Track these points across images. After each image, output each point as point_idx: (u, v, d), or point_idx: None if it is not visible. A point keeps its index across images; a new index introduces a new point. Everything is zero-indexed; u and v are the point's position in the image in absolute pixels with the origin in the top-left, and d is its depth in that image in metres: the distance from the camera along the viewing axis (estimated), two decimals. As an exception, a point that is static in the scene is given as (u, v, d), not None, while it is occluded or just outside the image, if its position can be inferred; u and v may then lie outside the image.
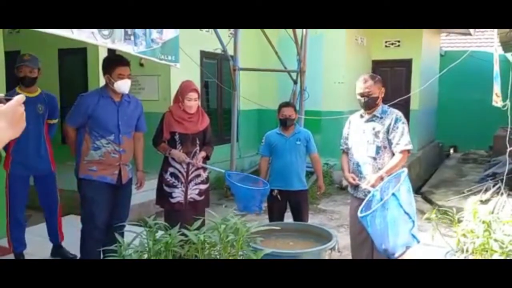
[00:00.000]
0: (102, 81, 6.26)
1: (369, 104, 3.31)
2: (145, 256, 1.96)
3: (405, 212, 2.51)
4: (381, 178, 3.13)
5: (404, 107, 9.33)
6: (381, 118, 3.31)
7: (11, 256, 3.78)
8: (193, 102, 3.65)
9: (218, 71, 8.21)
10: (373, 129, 3.32)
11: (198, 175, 3.74)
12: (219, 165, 7.50)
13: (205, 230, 2.09)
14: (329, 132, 8.08)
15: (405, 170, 2.80)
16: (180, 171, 3.68)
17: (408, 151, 3.25)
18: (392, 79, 9.03)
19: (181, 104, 3.65)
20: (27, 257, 3.83)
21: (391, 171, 3.16)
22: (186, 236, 2.13)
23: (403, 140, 3.21)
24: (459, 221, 3.04)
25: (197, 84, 7.32)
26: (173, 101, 3.79)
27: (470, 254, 2.70)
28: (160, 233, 2.13)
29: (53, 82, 7.04)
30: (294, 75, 7.59)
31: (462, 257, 2.71)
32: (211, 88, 8.20)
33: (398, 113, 3.31)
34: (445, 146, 11.64)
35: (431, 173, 9.38)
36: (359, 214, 2.59)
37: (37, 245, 4.02)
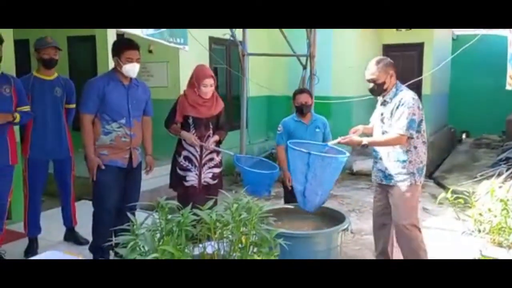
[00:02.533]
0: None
1: (374, 90, 3.21)
2: (158, 236, 1.95)
3: (306, 177, 2.93)
4: (359, 144, 3.11)
5: (416, 92, 9.17)
6: (389, 103, 3.18)
7: (25, 240, 3.82)
8: (209, 88, 3.62)
9: (227, 57, 8.16)
10: (381, 114, 3.24)
11: (212, 159, 3.74)
12: (229, 151, 7.52)
13: (217, 210, 2.08)
14: (338, 118, 8.01)
15: (347, 154, 3.09)
16: (193, 155, 3.67)
17: (406, 136, 3.04)
18: (404, 63, 8.89)
19: (196, 89, 3.62)
20: (40, 241, 3.86)
21: (375, 141, 3.13)
22: (198, 216, 2.12)
23: (398, 123, 3.05)
24: (473, 203, 2.99)
25: (206, 70, 7.31)
26: (188, 85, 3.75)
27: (487, 233, 2.66)
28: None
29: (63, 69, 7.03)
30: (303, 60, 7.51)
31: (478, 237, 2.66)
32: (220, 74, 8.15)
33: (405, 96, 3.10)
34: (457, 131, 11.49)
35: (443, 158, 9.28)
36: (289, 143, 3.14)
37: (50, 229, 4.06)
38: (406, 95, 3.10)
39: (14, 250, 3.70)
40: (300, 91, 4.10)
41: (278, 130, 4.09)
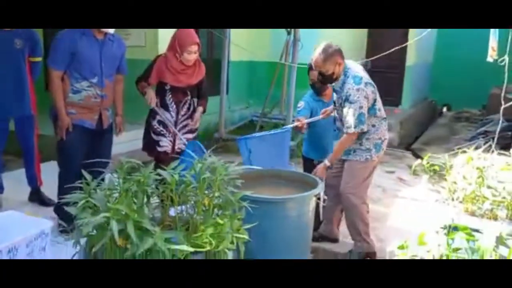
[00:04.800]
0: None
1: (324, 82, 3.17)
2: (115, 195, 1.83)
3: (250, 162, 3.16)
4: (326, 168, 3.15)
5: (400, 62, 9.12)
6: (340, 91, 3.10)
7: (-12, 200, 3.67)
8: (193, 56, 3.40)
9: (209, 19, 7.88)
10: (334, 103, 3.25)
11: (186, 125, 3.61)
12: (208, 116, 7.35)
13: (180, 169, 1.96)
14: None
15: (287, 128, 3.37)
16: (169, 120, 3.52)
17: (356, 133, 3.03)
18: (388, 32, 8.73)
19: (178, 55, 3.39)
20: (3, 201, 3.72)
21: (335, 156, 3.14)
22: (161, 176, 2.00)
23: (346, 122, 3.03)
24: (448, 171, 2.94)
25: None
26: (169, 48, 3.48)
27: (460, 202, 2.62)
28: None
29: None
30: (287, 25, 7.30)
31: (451, 205, 2.62)
32: (201, 35, 7.89)
33: (348, 90, 3.01)
34: (438, 104, 11.50)
35: (422, 130, 9.30)
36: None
37: (15, 189, 3.92)
38: (350, 87, 2.99)
39: (-25, 209, 3.56)
40: (310, 67, 3.59)
41: (298, 107, 3.71)
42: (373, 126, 3.14)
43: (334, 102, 3.25)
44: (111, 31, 3.15)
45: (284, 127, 3.42)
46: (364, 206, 3.27)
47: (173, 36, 3.46)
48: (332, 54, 3.02)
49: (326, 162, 3.12)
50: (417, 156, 7.18)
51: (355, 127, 2.98)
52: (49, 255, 2.62)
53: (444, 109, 11.50)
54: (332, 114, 3.43)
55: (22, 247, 2.47)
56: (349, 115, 2.97)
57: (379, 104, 3.14)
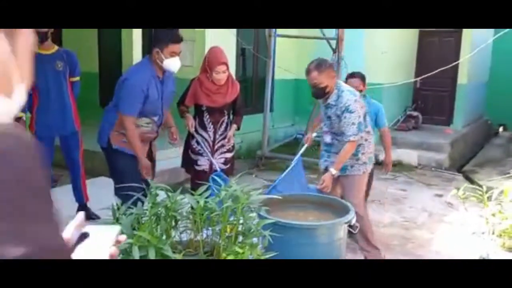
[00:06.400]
0: (135, 45, 6.23)
1: (317, 94, 3.26)
2: (144, 219, 1.91)
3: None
4: (332, 177, 3.24)
5: (451, 81, 8.80)
6: (335, 105, 3.23)
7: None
8: (222, 75, 3.48)
9: (255, 39, 8.02)
10: (329, 117, 3.32)
11: (224, 145, 3.70)
12: (252, 135, 7.46)
13: (207, 196, 2.01)
14: (367, 105, 7.76)
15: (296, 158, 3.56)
16: (206, 140, 3.63)
17: (357, 140, 3.23)
18: (440, 50, 8.48)
19: (209, 75, 3.50)
20: (52, 215, 3.92)
21: (340, 164, 3.25)
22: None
23: (348, 130, 3.16)
24: (489, 199, 2.81)
25: (233, 51, 7.20)
26: (201, 70, 3.60)
27: (498, 236, 2.49)
28: (163, 196, 2.07)
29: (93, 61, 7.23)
30: (333, 44, 7.28)
31: (488, 239, 2.50)
32: (247, 55, 8.04)
33: (347, 101, 3.16)
34: (494, 124, 10.94)
35: (476, 151, 8.88)
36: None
37: (64, 204, 4.06)
38: (349, 99, 3.17)
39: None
40: (351, 74, 4.08)
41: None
42: (366, 140, 3.35)
43: (329, 117, 3.32)
44: (173, 69, 3.12)
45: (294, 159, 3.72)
46: (367, 215, 3.49)
47: (204, 58, 3.58)
48: (328, 68, 3.22)
49: (332, 171, 3.21)
50: (469, 179, 6.87)
51: (356, 134, 3.16)
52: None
53: (500, 129, 10.93)
54: (316, 133, 3.75)
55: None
56: (350, 124, 3.14)
57: (368, 118, 3.41)
